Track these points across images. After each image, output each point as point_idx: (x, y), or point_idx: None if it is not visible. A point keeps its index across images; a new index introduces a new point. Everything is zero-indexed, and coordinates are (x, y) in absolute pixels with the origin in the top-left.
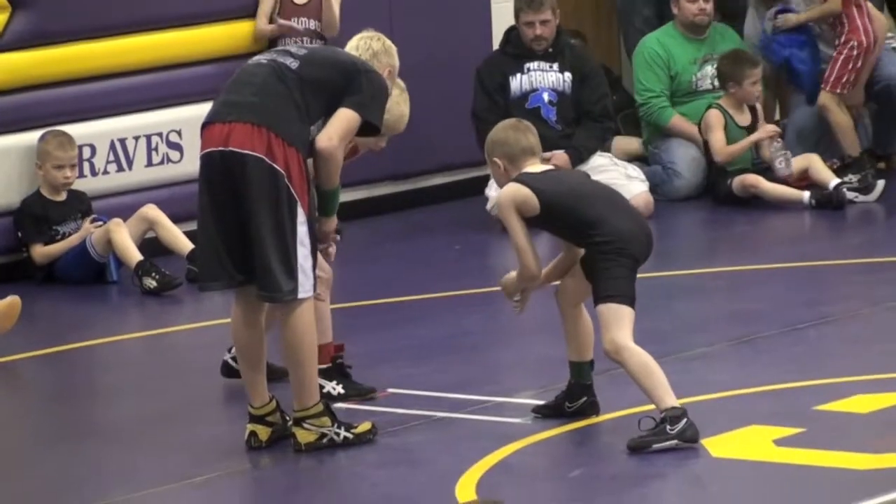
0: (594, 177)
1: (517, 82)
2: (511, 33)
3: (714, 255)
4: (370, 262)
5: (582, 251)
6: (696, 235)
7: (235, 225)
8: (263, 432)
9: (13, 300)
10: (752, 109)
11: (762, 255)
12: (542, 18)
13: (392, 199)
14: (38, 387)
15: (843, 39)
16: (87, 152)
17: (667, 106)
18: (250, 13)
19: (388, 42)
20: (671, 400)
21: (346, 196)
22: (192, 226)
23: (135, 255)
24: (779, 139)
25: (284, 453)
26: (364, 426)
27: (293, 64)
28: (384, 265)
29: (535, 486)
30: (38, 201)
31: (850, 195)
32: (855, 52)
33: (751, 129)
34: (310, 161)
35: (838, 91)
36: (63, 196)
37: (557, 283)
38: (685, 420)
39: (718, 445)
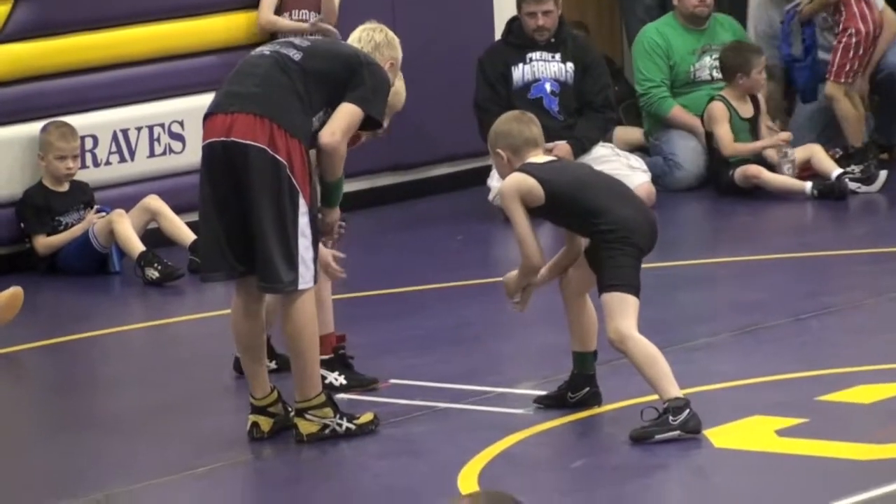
0: (596, 167)
1: (519, 73)
2: (513, 23)
3: (716, 246)
4: (372, 253)
5: (583, 248)
6: (698, 226)
7: (237, 216)
8: (265, 423)
9: (16, 291)
10: (754, 100)
11: (764, 246)
12: (544, 9)
13: (394, 189)
14: (40, 377)
15: (841, 27)
16: (89, 143)
17: (667, 96)
18: (254, 3)
19: (391, 34)
20: (674, 390)
21: (348, 186)
22: (195, 216)
23: (137, 246)
24: (788, 147)
25: (286, 444)
26: (366, 417)
27: (296, 55)
28: (386, 255)
29: (538, 476)
30: (40, 192)
31: (853, 185)
32: (854, 40)
33: (753, 120)
34: (312, 152)
35: (842, 81)
36: (65, 187)
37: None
38: (688, 411)
39: (721, 436)
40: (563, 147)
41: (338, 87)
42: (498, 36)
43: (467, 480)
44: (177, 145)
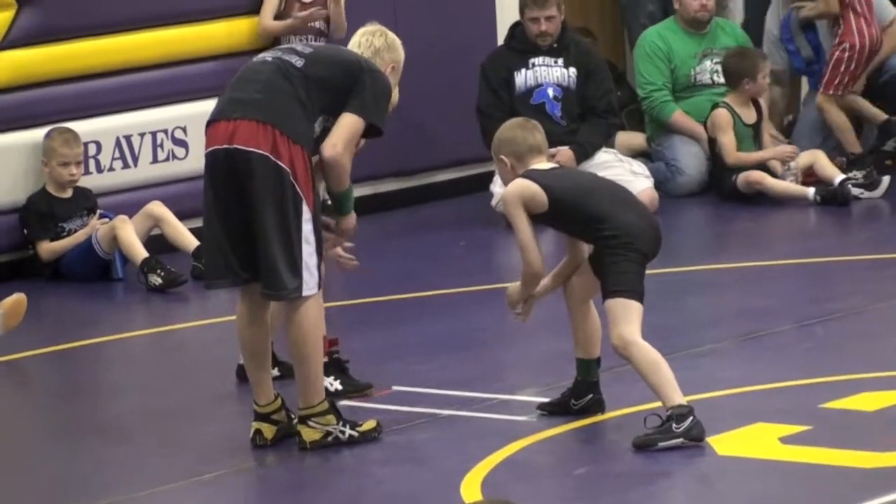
0: (599, 173)
1: (522, 78)
2: (516, 29)
3: (720, 252)
4: (375, 259)
5: (585, 255)
6: (701, 232)
7: (240, 223)
8: (269, 430)
9: (19, 297)
10: (757, 106)
11: (768, 252)
12: (547, 14)
13: (397, 195)
14: (43, 384)
15: (837, 41)
16: (92, 149)
17: (669, 100)
18: (256, 9)
19: (392, 36)
20: (678, 397)
21: None
22: (198, 222)
23: (140, 252)
24: (793, 161)
25: (290, 451)
26: (369, 424)
27: (298, 62)
28: (389, 261)
29: (541, 483)
30: (43, 198)
31: (856, 191)
32: (846, 55)
33: (756, 126)
34: (315, 158)
35: (831, 93)
36: (69, 193)
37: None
38: (691, 418)
39: (724, 443)
40: (565, 152)
41: (339, 93)
42: (501, 41)
43: (470, 488)
44: (180, 151)
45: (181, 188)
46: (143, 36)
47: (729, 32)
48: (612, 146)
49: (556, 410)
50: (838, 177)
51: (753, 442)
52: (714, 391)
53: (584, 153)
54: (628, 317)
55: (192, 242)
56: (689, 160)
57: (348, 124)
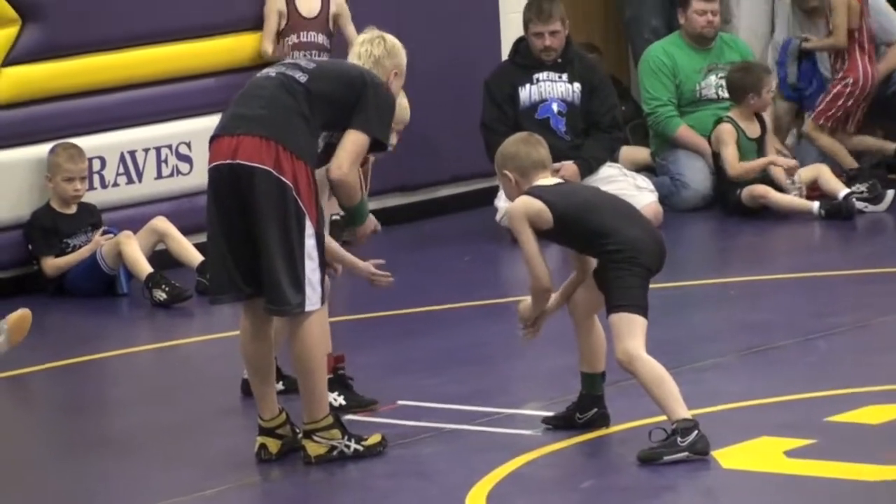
0: (603, 187)
1: (526, 93)
2: (520, 44)
3: (724, 266)
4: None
5: (591, 269)
6: (705, 246)
7: (243, 238)
8: (273, 445)
9: (24, 313)
10: (760, 120)
11: (772, 266)
12: (551, 29)
13: (402, 210)
14: (48, 399)
15: (840, 75)
16: (97, 164)
17: (674, 115)
18: (261, 25)
19: (392, 41)
20: (683, 411)
21: None
22: (202, 238)
23: (145, 268)
24: (797, 175)
25: (294, 466)
26: (374, 438)
27: (302, 77)
28: (394, 276)
29: (546, 497)
30: (48, 214)
31: (860, 205)
32: (848, 90)
33: (760, 140)
34: (319, 171)
35: (820, 123)
36: (73, 209)
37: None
38: (696, 432)
39: (729, 457)
40: (570, 167)
41: (342, 109)
42: (505, 56)
43: (476, 502)
44: (184, 166)
45: (185, 203)
46: (147, 52)
47: (734, 47)
48: (616, 161)
49: (562, 424)
50: (842, 191)
51: (758, 456)
52: (718, 405)
53: (588, 168)
54: (632, 331)
55: (196, 257)
56: (694, 174)
57: (352, 143)
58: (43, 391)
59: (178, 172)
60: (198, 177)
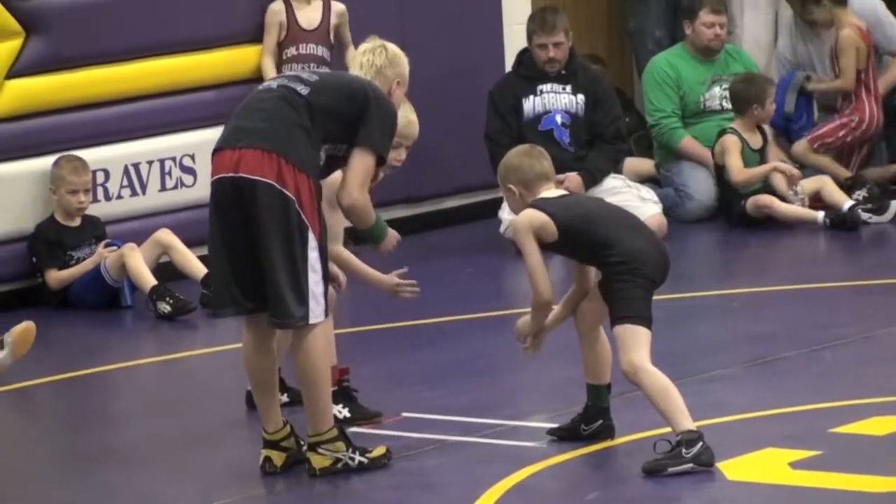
0: (607, 199)
1: (530, 104)
2: (524, 55)
3: (728, 277)
4: None
5: (593, 281)
6: (710, 257)
7: (246, 251)
8: (278, 457)
9: (28, 326)
10: (762, 131)
11: (777, 277)
12: (554, 41)
13: (406, 221)
14: (52, 412)
15: (848, 111)
16: (100, 177)
17: (678, 126)
18: (262, 37)
19: (392, 50)
20: (687, 423)
21: None
22: (207, 250)
23: (149, 280)
24: (799, 185)
25: (299, 478)
26: (379, 450)
27: (303, 90)
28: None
29: None
30: (52, 226)
31: (865, 216)
32: (853, 125)
33: (762, 150)
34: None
35: (815, 147)
36: (77, 221)
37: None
38: (701, 443)
39: (734, 468)
40: (574, 179)
41: (345, 121)
42: (509, 67)
43: None
44: (188, 179)
45: (189, 216)
46: (150, 64)
47: (738, 59)
48: (620, 172)
49: (567, 436)
50: (847, 202)
51: (763, 467)
52: (723, 416)
53: (592, 179)
54: (637, 343)
55: (200, 270)
56: (698, 185)
57: (359, 165)
58: (47, 404)
59: (182, 185)
60: (201, 189)
